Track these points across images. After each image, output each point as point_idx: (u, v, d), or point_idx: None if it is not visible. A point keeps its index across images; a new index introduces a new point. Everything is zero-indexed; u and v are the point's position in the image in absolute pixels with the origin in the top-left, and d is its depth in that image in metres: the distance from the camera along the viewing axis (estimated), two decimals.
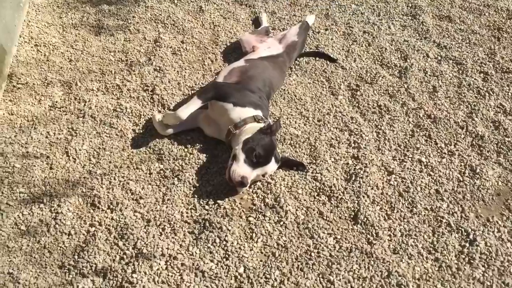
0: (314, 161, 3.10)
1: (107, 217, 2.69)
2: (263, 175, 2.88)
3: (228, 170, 2.78)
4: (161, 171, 2.97)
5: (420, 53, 4.10)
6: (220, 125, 3.08)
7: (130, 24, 4.13)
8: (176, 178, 2.92)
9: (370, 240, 2.68)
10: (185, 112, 2.98)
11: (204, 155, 3.08)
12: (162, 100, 3.42)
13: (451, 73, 3.89)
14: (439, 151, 3.23)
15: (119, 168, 2.96)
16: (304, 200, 2.86)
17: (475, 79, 3.84)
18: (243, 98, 3.05)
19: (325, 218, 2.78)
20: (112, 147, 3.08)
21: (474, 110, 3.56)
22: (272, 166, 2.89)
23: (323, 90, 3.67)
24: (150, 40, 3.98)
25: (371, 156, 3.15)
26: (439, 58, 4.07)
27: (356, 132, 3.32)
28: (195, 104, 3.00)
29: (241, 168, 2.76)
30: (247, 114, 3.00)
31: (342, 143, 3.24)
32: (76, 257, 2.50)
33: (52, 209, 2.70)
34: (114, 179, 2.89)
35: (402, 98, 3.63)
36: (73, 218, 2.66)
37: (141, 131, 3.20)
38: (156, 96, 3.45)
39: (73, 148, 3.04)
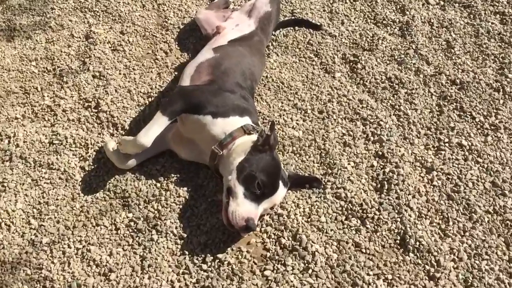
0: (330, 171, 2.38)
1: None
2: (272, 208, 2.15)
3: (225, 211, 2.05)
4: (132, 223, 2.21)
5: (418, 0, 3.47)
6: (198, 145, 2.34)
7: (50, 19, 3.36)
8: (154, 231, 2.18)
9: (431, 273, 2.03)
10: (148, 137, 2.22)
11: (185, 188, 2.33)
12: (112, 118, 2.66)
13: (461, 20, 3.29)
14: (479, 127, 2.65)
15: (72, 228, 2.21)
16: (332, 230, 2.15)
17: (492, 23, 3.30)
18: (223, 104, 2.30)
19: (364, 251, 2.10)
20: (57, 199, 2.33)
21: (504, 63, 3.03)
22: (281, 193, 2.18)
23: (314, 69, 2.98)
24: (79, 37, 3.23)
25: (399, 150, 2.46)
26: (442, 3, 3.49)
27: (371, 120, 2.64)
28: (160, 123, 2.24)
29: (242, 207, 2.03)
30: (233, 126, 2.27)
31: (358, 139, 2.54)
32: None
33: None
34: (69, 247, 2.14)
35: (414, 64, 2.96)
36: None
37: (93, 167, 2.43)
38: (103, 113, 2.67)
39: (4, 211, 2.26)
